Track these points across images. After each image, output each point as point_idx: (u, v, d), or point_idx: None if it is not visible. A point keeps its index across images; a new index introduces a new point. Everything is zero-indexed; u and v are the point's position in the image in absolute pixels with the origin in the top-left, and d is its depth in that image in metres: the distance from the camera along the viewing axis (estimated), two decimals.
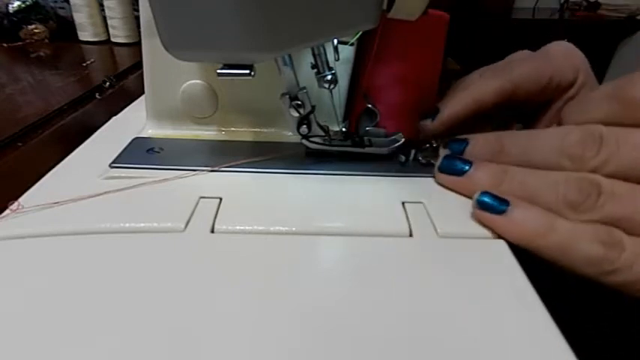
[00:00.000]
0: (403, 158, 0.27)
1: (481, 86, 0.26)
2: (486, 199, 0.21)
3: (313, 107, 0.25)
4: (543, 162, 0.22)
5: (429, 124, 0.27)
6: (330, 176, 0.26)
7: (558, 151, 0.21)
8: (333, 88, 0.25)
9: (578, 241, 0.19)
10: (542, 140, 0.22)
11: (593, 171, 0.20)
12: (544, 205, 0.20)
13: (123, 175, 0.25)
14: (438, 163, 0.25)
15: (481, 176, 0.23)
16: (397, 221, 0.22)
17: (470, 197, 0.22)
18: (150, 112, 0.31)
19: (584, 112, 0.22)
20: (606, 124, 0.20)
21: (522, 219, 0.20)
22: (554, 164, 0.21)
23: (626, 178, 0.19)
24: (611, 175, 0.20)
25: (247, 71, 0.21)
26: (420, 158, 0.27)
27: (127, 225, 0.21)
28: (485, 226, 0.21)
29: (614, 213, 0.19)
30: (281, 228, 0.21)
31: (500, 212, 0.20)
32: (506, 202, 0.21)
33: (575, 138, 0.21)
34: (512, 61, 0.27)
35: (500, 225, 0.21)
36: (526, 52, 0.28)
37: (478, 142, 0.24)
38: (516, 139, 0.23)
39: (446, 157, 0.24)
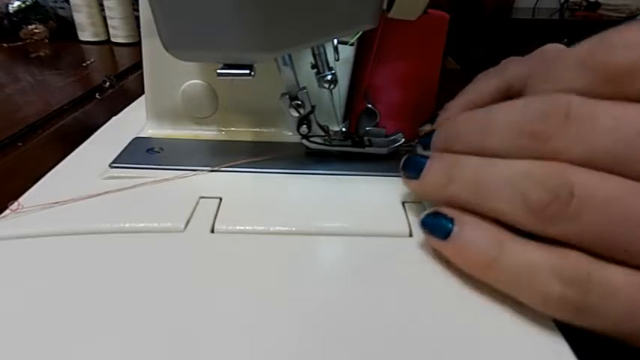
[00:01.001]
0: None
1: (477, 87, 0.25)
2: (428, 219, 0.18)
3: (313, 107, 0.25)
4: (500, 146, 0.17)
5: (427, 129, 0.26)
6: (330, 176, 0.26)
7: (516, 129, 0.16)
8: (333, 88, 0.25)
9: (531, 276, 0.15)
10: (499, 116, 0.17)
11: (555, 156, 0.15)
12: (499, 214, 0.16)
13: (123, 175, 0.25)
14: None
15: (430, 175, 0.19)
16: (397, 221, 0.22)
17: None
18: (150, 112, 0.31)
19: (550, 81, 0.17)
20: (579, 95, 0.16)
21: (467, 243, 0.16)
22: (513, 148, 0.16)
23: (599, 168, 0.14)
24: (579, 163, 0.15)
25: (247, 71, 0.21)
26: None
27: (127, 225, 0.21)
28: None
29: (588, 227, 0.14)
30: (281, 228, 0.21)
31: (446, 235, 0.17)
32: (450, 221, 0.17)
33: (535, 110, 0.16)
34: (508, 61, 0.26)
35: (448, 252, 0.17)
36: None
37: (439, 129, 0.21)
38: (472, 118, 0.19)
39: (406, 157, 0.21)
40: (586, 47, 0.16)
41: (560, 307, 0.14)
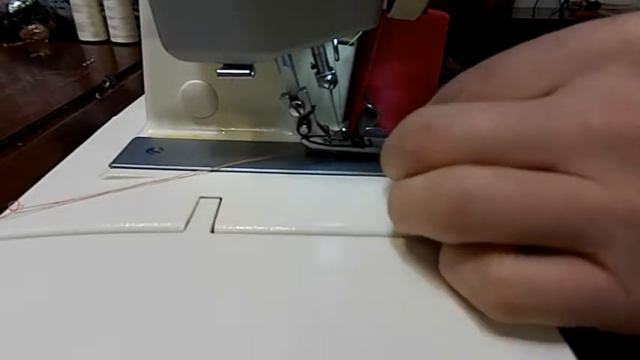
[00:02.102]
0: None
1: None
2: None
3: (313, 107, 0.25)
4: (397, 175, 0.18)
5: None
6: (330, 176, 0.26)
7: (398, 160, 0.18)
8: (333, 88, 0.25)
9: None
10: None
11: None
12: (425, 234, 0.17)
13: (123, 175, 0.25)
14: None
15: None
16: None
17: None
18: (150, 112, 0.31)
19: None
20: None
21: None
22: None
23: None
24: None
25: (247, 71, 0.21)
26: None
27: (127, 225, 0.21)
28: None
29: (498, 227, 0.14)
30: (281, 228, 0.21)
31: None
32: None
33: (400, 135, 0.18)
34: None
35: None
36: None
37: None
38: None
39: None
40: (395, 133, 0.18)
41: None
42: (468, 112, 0.15)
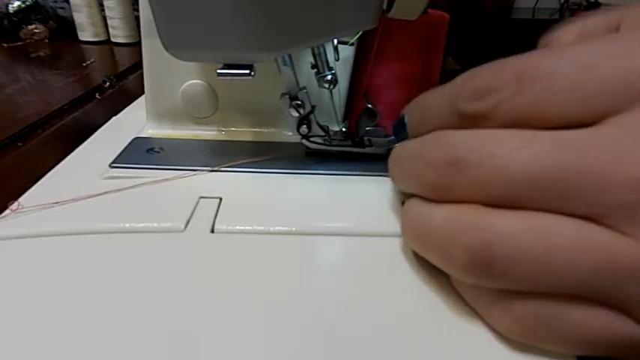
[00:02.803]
0: None
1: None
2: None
3: (313, 107, 0.25)
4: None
5: None
6: (330, 176, 0.26)
7: (418, 180, 0.16)
8: (333, 88, 0.25)
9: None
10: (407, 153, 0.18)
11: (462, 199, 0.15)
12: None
13: (123, 175, 0.25)
14: None
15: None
16: (397, 221, 0.22)
17: None
18: (150, 112, 0.31)
19: (424, 121, 0.17)
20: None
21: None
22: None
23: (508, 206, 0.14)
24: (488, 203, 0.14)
25: (247, 71, 0.21)
26: None
27: (127, 225, 0.21)
28: None
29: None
30: (281, 228, 0.21)
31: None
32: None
33: (426, 162, 0.16)
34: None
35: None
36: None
37: None
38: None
39: None
40: (453, 86, 0.16)
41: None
42: (501, 146, 0.14)
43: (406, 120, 0.19)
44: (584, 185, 0.12)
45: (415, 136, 0.18)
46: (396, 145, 0.19)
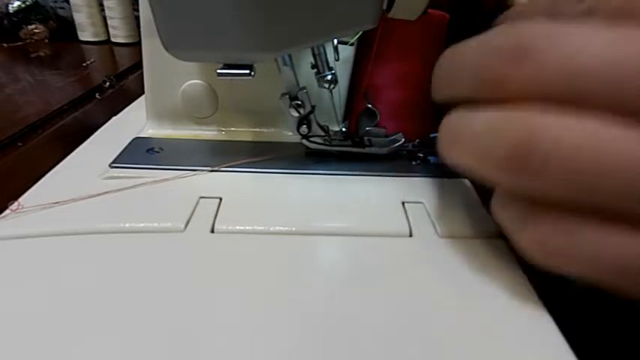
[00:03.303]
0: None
1: None
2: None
3: (313, 107, 0.25)
4: (467, 93, 0.15)
5: None
6: (330, 176, 0.26)
7: (474, 76, 0.15)
8: (333, 88, 0.25)
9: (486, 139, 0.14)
10: (464, 58, 0.16)
11: (516, 99, 0.13)
12: (472, 169, 0.15)
13: (123, 175, 0.25)
14: None
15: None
16: (397, 221, 0.22)
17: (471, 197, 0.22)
18: (150, 112, 0.31)
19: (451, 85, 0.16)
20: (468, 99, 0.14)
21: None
22: (477, 95, 0.15)
23: (566, 104, 0.13)
24: (543, 101, 0.13)
25: (247, 71, 0.21)
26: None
27: (127, 225, 0.21)
28: (485, 226, 0.21)
29: (554, 179, 0.13)
30: (281, 228, 0.21)
31: None
32: None
33: (489, 50, 0.14)
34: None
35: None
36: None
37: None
38: (445, 61, 0.17)
39: None
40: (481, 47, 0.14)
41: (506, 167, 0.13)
42: (574, 35, 0.12)
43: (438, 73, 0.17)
44: None
45: (444, 100, 0.16)
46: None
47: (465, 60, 0.15)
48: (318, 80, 0.24)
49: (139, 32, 0.28)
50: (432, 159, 0.27)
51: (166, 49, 0.20)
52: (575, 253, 0.13)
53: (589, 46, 0.12)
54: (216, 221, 0.21)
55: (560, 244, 0.13)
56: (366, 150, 0.27)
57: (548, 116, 0.12)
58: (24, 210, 0.21)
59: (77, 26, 0.63)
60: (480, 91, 0.14)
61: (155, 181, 0.24)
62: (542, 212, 0.14)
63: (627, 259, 0.12)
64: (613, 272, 0.13)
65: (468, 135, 0.15)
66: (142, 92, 0.31)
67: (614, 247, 0.13)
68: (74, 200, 0.22)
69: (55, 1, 0.66)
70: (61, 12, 0.66)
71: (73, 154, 0.28)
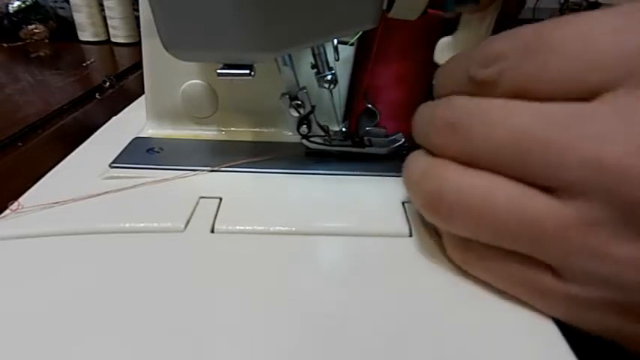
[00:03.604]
0: None
1: None
2: None
3: (313, 107, 0.25)
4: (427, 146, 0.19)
5: (450, 15, 0.24)
6: (330, 176, 0.26)
7: (426, 139, 0.18)
8: (333, 88, 0.25)
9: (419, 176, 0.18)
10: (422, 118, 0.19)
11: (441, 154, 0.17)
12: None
13: (123, 175, 0.25)
14: None
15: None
16: (397, 221, 0.22)
17: None
18: (150, 112, 0.31)
19: (445, 85, 0.18)
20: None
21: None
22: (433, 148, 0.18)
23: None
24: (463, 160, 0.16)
25: (247, 71, 0.21)
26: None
27: (127, 225, 0.21)
28: None
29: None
30: (281, 228, 0.21)
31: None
32: None
33: (431, 119, 0.17)
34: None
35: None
36: None
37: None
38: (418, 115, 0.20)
39: None
40: (467, 55, 0.17)
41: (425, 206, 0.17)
42: (492, 115, 0.15)
43: (434, 82, 0.20)
44: (549, 159, 0.13)
45: (437, 90, 0.19)
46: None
47: (421, 123, 0.19)
48: (318, 80, 0.24)
49: (139, 32, 0.28)
50: None
51: (166, 49, 0.20)
52: (491, 278, 0.17)
53: (496, 129, 0.15)
54: (216, 221, 0.21)
55: (478, 272, 0.17)
56: (366, 150, 0.27)
57: (458, 173, 0.16)
58: (24, 210, 0.21)
59: (77, 26, 0.63)
60: (430, 148, 0.18)
61: (155, 181, 0.24)
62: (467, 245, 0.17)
63: (523, 281, 0.16)
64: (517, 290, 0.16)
65: (412, 175, 0.18)
66: (142, 92, 0.31)
67: (517, 275, 0.16)
68: (74, 200, 0.22)
69: (55, 1, 0.66)
70: (61, 12, 0.66)
71: (73, 154, 0.28)
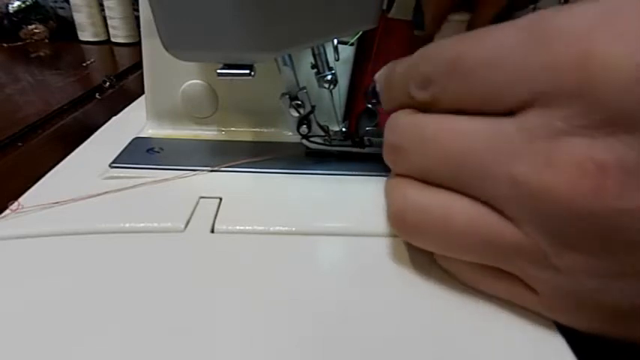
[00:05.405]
0: None
1: None
2: None
3: (313, 107, 0.25)
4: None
5: (420, 34, 0.25)
6: (330, 176, 0.26)
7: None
8: (333, 88, 0.25)
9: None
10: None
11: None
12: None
13: (123, 175, 0.25)
14: None
15: None
16: None
17: None
18: (150, 112, 0.31)
19: (391, 96, 0.19)
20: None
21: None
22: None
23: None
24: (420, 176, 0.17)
25: (247, 71, 0.21)
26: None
27: (127, 225, 0.21)
28: None
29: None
30: (281, 228, 0.21)
31: None
32: None
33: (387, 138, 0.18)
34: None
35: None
36: None
37: None
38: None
39: None
40: (406, 70, 0.18)
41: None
42: (429, 134, 0.16)
43: (377, 89, 0.20)
44: (478, 174, 0.14)
45: (386, 104, 0.20)
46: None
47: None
48: (318, 80, 0.25)
49: (139, 32, 0.28)
50: None
51: (166, 49, 0.20)
52: (476, 285, 0.17)
53: (433, 147, 0.15)
54: (216, 221, 0.21)
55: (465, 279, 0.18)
56: (366, 150, 0.27)
57: (416, 192, 0.17)
58: (24, 210, 0.21)
59: (77, 26, 0.63)
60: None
61: (155, 181, 0.24)
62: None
63: (502, 289, 0.16)
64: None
65: (385, 194, 0.19)
66: (142, 92, 0.31)
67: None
68: (74, 200, 0.22)
69: (55, 1, 0.66)
70: (61, 12, 0.66)
71: (73, 154, 0.28)
